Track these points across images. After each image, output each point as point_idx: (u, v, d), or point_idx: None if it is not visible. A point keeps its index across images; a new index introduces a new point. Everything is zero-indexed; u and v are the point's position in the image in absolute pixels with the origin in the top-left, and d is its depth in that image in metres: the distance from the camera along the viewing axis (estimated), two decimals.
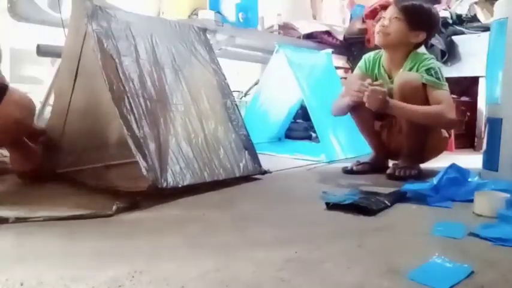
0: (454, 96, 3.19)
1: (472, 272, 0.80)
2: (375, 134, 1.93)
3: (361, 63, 1.94)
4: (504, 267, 0.83)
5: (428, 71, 1.68)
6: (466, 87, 3.16)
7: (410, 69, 1.74)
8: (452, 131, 2.85)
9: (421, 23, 1.74)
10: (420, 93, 1.65)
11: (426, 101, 1.66)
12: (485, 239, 0.99)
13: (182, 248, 0.92)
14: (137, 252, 0.88)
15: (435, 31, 2.03)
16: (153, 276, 0.76)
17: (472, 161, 1.96)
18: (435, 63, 1.73)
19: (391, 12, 1.75)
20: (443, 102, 1.63)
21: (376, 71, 1.86)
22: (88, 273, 0.77)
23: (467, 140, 3.01)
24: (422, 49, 1.88)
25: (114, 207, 1.14)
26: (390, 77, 1.81)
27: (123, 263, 0.82)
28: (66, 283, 0.73)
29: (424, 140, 1.77)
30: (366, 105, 1.60)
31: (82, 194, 1.38)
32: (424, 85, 1.66)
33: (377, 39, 1.79)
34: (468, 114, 3.07)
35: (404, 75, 1.70)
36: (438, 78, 1.68)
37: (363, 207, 1.20)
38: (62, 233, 0.99)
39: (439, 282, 0.75)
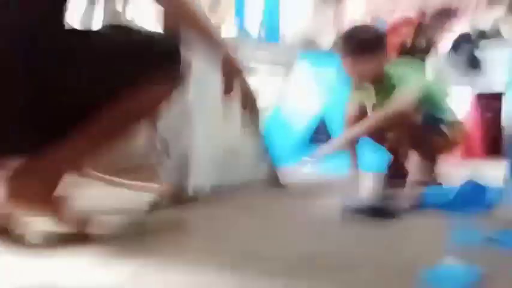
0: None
1: (482, 276, 0.81)
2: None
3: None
4: None
5: (399, 81, 1.69)
6: (490, 103, 3.12)
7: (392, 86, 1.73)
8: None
9: (377, 42, 1.76)
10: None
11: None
12: (504, 246, 0.99)
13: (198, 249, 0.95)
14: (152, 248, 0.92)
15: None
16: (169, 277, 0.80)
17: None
18: (401, 71, 1.75)
19: (344, 61, 1.75)
20: (396, 99, 1.65)
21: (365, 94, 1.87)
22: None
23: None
24: None
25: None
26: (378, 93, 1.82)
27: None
28: None
29: (426, 148, 1.74)
30: None
31: None
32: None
33: (359, 83, 1.82)
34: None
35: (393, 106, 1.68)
36: (406, 82, 1.68)
37: (379, 211, 1.22)
38: None
39: (448, 284, 0.77)
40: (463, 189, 1.43)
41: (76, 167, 1.13)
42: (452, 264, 0.86)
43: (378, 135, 1.88)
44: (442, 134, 1.78)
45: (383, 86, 1.76)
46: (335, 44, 1.85)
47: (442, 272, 0.83)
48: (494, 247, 0.99)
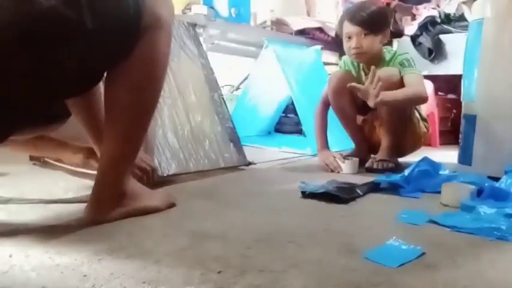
0: (441, 93, 3.29)
1: (423, 254, 0.87)
2: (357, 129, 2.01)
3: (340, 63, 2.06)
4: (454, 251, 0.91)
5: (401, 63, 1.81)
6: (453, 85, 3.23)
7: (387, 65, 1.83)
8: (437, 127, 2.97)
9: (383, 25, 1.85)
10: (400, 86, 1.75)
11: None
12: (444, 226, 1.07)
13: (160, 228, 0.99)
14: (118, 231, 0.96)
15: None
16: (131, 252, 0.84)
17: (452, 156, 2.03)
18: (406, 55, 1.86)
19: (353, 30, 1.81)
20: (415, 83, 1.75)
21: (354, 70, 1.96)
22: (72, 248, 0.84)
23: (452, 136, 3.08)
24: None
25: None
26: (367, 74, 1.89)
27: (104, 240, 0.89)
28: (51, 256, 0.80)
29: (403, 134, 1.85)
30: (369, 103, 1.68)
31: (70, 180, 1.46)
32: (401, 77, 1.77)
33: (354, 59, 1.89)
34: (454, 111, 3.15)
35: (385, 71, 1.78)
36: (411, 66, 1.81)
37: (335, 195, 1.28)
38: (50, 214, 1.07)
39: (390, 261, 0.83)
40: (419, 164, 1.51)
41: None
42: (395, 243, 0.93)
43: (349, 116, 1.94)
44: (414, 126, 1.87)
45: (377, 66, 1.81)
46: (341, 17, 1.88)
47: (384, 250, 0.90)
48: (437, 228, 1.07)
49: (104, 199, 1.01)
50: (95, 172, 1.05)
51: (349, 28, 1.81)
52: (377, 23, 1.81)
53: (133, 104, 0.98)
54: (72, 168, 1.55)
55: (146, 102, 1.02)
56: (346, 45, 1.86)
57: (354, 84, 1.70)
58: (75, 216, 1.04)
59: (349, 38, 1.83)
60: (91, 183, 1.03)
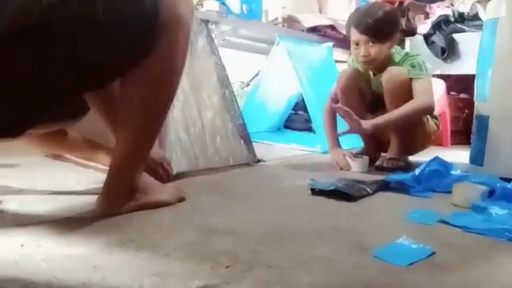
0: (454, 93, 3.25)
1: (433, 253, 0.87)
2: None
3: (349, 61, 2.06)
4: (464, 251, 0.91)
5: (412, 65, 1.77)
6: (465, 84, 3.19)
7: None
8: (449, 127, 2.94)
9: (391, 31, 1.80)
10: (407, 87, 1.74)
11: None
12: (454, 226, 1.06)
13: (169, 222, 1.00)
14: (128, 224, 0.97)
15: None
16: (141, 244, 0.84)
17: (463, 156, 2.01)
18: (418, 58, 1.82)
19: (360, 38, 1.77)
20: (420, 92, 1.72)
21: (361, 68, 1.93)
22: (82, 239, 0.85)
23: (464, 136, 3.05)
24: None
25: None
26: (375, 74, 1.88)
27: (114, 232, 0.90)
28: (62, 247, 0.81)
29: (412, 132, 1.83)
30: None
31: (81, 172, 1.47)
32: (410, 79, 1.75)
33: (364, 67, 1.86)
34: (466, 111, 3.12)
35: (393, 71, 1.77)
36: (421, 70, 1.77)
37: (344, 193, 1.27)
38: (61, 205, 1.08)
39: (400, 260, 0.82)
40: (429, 164, 1.50)
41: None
42: (405, 242, 0.92)
43: (358, 114, 1.93)
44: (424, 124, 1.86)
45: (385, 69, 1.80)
46: (348, 20, 1.85)
47: (394, 248, 0.89)
48: (448, 227, 1.06)
49: (115, 192, 1.02)
50: (105, 166, 1.06)
51: (356, 36, 1.78)
52: (384, 31, 1.76)
53: (149, 101, 0.99)
54: (83, 161, 1.56)
55: (162, 99, 1.03)
56: (354, 51, 1.84)
57: (338, 106, 1.74)
58: (87, 208, 1.05)
59: (357, 44, 1.80)
60: (102, 176, 1.04)
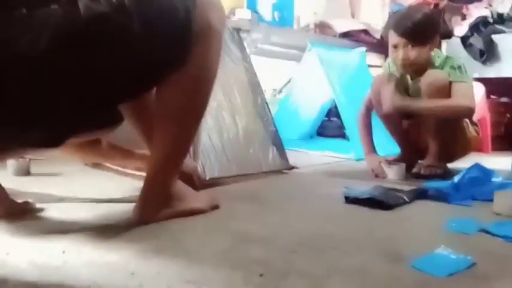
0: (494, 97, 3.14)
1: (474, 264, 0.84)
2: (403, 133, 1.95)
3: (385, 66, 2.01)
4: (506, 261, 0.87)
5: (453, 67, 1.73)
6: (506, 88, 3.08)
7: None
8: (489, 133, 2.83)
9: (431, 33, 1.75)
10: (447, 91, 1.69)
11: None
12: (496, 235, 1.02)
13: (204, 230, 1.01)
14: (164, 231, 0.99)
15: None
16: (176, 251, 0.86)
17: (505, 162, 1.94)
18: (458, 61, 1.78)
19: (399, 41, 1.73)
20: (461, 94, 1.67)
21: (398, 73, 1.89)
22: (120, 246, 0.88)
23: (506, 142, 2.94)
24: None
25: None
26: (413, 78, 1.84)
27: (151, 239, 0.92)
28: (101, 253, 0.84)
29: (451, 139, 1.78)
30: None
31: (119, 180, 1.52)
32: (450, 83, 1.70)
33: (403, 71, 1.81)
34: (508, 115, 3.01)
35: (433, 74, 1.72)
36: (462, 73, 1.73)
37: (380, 201, 1.25)
38: (100, 213, 1.12)
39: (439, 271, 0.80)
40: (469, 171, 1.45)
41: None
42: (444, 252, 0.90)
43: (394, 120, 1.90)
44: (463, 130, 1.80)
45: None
46: (387, 23, 1.83)
47: (432, 259, 0.87)
48: (489, 237, 1.02)
49: (151, 200, 1.04)
50: (143, 174, 1.09)
51: (395, 39, 1.74)
52: (424, 34, 1.72)
53: (184, 109, 1.01)
54: (121, 169, 1.61)
55: (196, 108, 1.05)
56: (392, 54, 1.80)
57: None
58: (124, 215, 1.07)
59: (396, 47, 1.76)
60: (139, 184, 1.07)
